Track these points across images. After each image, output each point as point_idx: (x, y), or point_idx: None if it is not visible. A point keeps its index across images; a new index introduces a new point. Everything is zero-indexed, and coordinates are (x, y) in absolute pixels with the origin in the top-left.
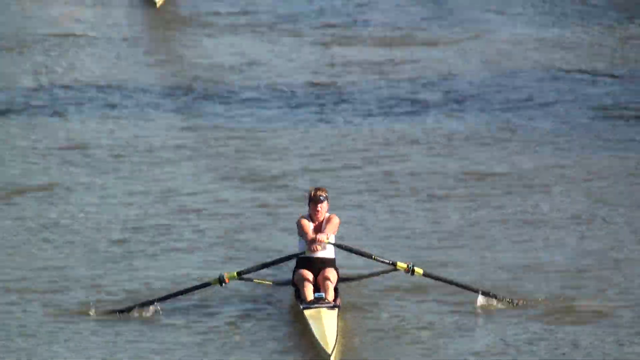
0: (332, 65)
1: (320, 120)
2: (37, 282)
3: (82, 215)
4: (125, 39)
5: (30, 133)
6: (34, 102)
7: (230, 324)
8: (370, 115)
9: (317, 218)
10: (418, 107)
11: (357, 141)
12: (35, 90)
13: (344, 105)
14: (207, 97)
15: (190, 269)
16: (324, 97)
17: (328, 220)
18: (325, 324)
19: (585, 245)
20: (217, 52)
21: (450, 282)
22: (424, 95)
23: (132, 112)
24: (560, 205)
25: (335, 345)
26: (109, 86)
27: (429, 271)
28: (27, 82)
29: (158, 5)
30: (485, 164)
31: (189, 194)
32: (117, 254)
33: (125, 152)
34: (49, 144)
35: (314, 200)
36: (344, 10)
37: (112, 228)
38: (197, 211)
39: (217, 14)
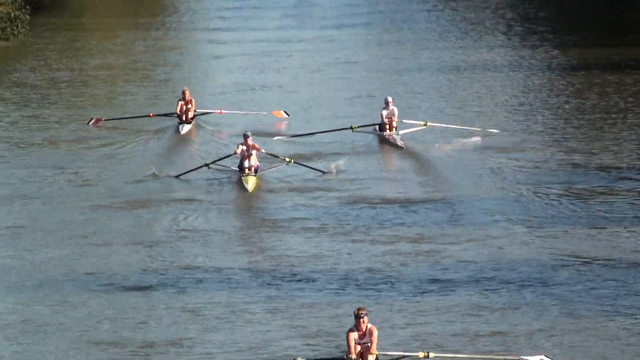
0: (383, 255)
1: (371, 295)
2: None
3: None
4: (222, 230)
5: (158, 302)
6: (157, 281)
7: None
8: (407, 290)
9: (361, 329)
10: (441, 284)
11: (399, 311)
12: (158, 272)
13: (389, 284)
14: (285, 277)
15: None
16: (374, 278)
17: (371, 332)
18: None
19: None
20: (293, 246)
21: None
22: (447, 275)
23: (229, 286)
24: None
25: None
26: (209, 268)
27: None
28: (153, 265)
29: (250, 190)
30: (489, 325)
31: (274, 344)
32: None
33: (224, 315)
34: (170, 309)
35: (357, 317)
36: (390, 217)
37: None
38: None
39: (293, 219)
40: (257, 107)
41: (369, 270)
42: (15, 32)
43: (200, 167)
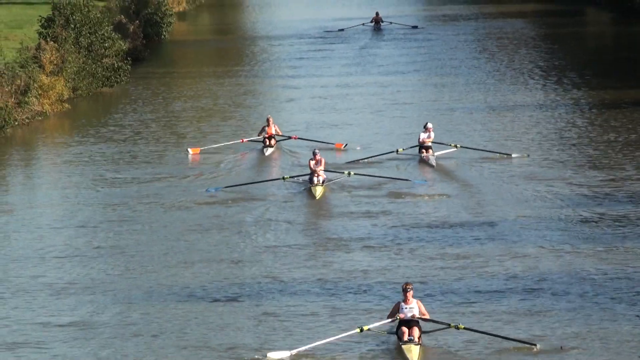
0: (419, 265)
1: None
2: None
3: None
4: (293, 244)
5: (238, 310)
6: (238, 291)
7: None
8: (441, 295)
9: (408, 300)
10: (471, 294)
11: (445, 313)
12: (239, 283)
13: (436, 293)
14: (340, 281)
15: None
16: (422, 288)
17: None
18: (412, 352)
19: None
20: (349, 258)
21: (488, 334)
22: (475, 284)
23: (298, 294)
24: None
25: None
26: (283, 279)
27: (470, 327)
28: (235, 278)
29: (317, 197)
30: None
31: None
32: None
33: (295, 317)
34: (250, 316)
35: (404, 290)
36: (428, 232)
37: None
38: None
39: (350, 239)
40: (325, 139)
41: (409, 277)
42: (118, 80)
43: (278, 179)
